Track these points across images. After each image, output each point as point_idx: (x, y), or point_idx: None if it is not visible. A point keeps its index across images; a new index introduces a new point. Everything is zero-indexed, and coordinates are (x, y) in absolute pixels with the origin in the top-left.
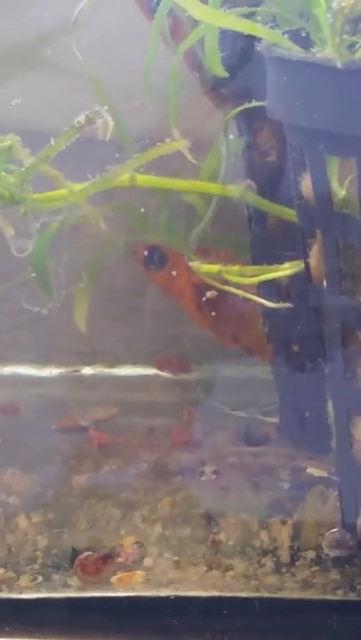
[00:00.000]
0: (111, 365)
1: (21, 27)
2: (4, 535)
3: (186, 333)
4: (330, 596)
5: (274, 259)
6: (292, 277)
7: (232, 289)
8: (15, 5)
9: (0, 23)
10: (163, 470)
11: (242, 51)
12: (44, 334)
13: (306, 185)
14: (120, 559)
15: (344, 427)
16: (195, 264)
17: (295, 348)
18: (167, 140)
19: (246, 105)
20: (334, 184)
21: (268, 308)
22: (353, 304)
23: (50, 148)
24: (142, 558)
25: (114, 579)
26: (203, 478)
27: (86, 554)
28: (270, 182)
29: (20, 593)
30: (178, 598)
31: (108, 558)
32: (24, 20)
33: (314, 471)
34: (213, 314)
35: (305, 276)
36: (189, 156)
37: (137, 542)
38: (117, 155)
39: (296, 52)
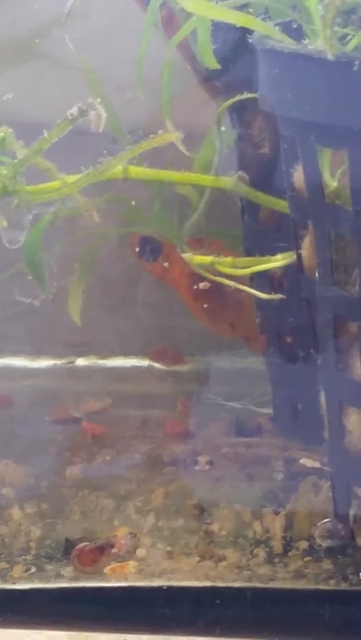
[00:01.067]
0: (105, 357)
1: (15, 19)
2: None
3: (179, 325)
4: (322, 586)
5: (266, 250)
6: (285, 268)
7: (225, 280)
8: None
9: None
10: (156, 461)
11: (234, 43)
12: (37, 326)
13: (298, 176)
14: (113, 550)
15: (336, 417)
16: (187, 255)
17: (288, 339)
18: (160, 131)
19: (239, 97)
20: (326, 175)
21: (260, 299)
22: (345, 295)
23: (43, 140)
24: (135, 549)
25: (107, 569)
26: (197, 467)
27: (83, 544)
28: (263, 174)
29: (14, 583)
30: (171, 588)
31: (104, 549)
32: (17, 13)
33: (307, 462)
34: (209, 303)
35: (297, 268)
36: (182, 148)
37: (130, 533)
38: (110, 146)
39: (288, 44)
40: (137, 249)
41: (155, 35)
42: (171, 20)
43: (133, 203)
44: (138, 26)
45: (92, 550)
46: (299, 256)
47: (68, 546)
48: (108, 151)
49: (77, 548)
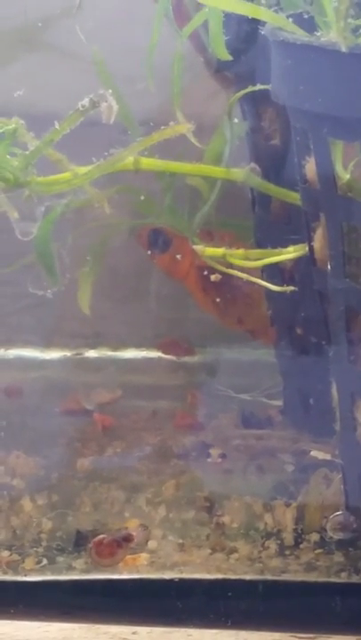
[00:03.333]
0: (115, 348)
1: (25, 10)
2: (9, 518)
3: (190, 316)
4: (334, 579)
5: (278, 242)
6: (296, 261)
7: (236, 272)
8: None
9: (4, 7)
10: (167, 453)
11: (246, 34)
12: (48, 317)
13: (310, 168)
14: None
15: (348, 410)
16: (199, 247)
17: (299, 331)
18: (171, 123)
19: (250, 88)
20: (338, 167)
21: (272, 291)
22: (357, 287)
23: (54, 132)
24: (146, 541)
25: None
26: (209, 460)
27: (101, 536)
28: (274, 166)
29: (25, 575)
30: (182, 581)
31: (123, 542)
32: (28, 4)
33: (318, 454)
34: (218, 296)
35: (309, 260)
36: (193, 140)
37: (141, 525)
38: (121, 138)
39: (300, 35)
40: (146, 240)
41: (165, 25)
42: (182, 11)
43: (143, 197)
44: (148, 16)
45: (110, 543)
46: (311, 248)
47: (79, 537)
48: (119, 142)
49: (95, 540)
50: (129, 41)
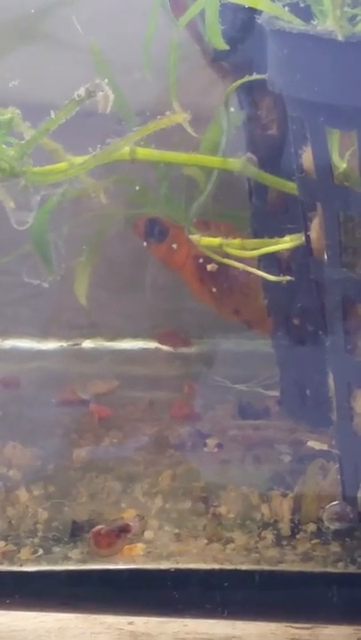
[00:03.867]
0: (112, 339)
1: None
2: (5, 508)
3: (187, 307)
4: (330, 569)
5: (275, 232)
6: (293, 250)
7: (233, 262)
8: None
9: None
10: (163, 443)
11: (242, 23)
12: (44, 308)
13: (307, 158)
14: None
15: (345, 400)
16: (195, 237)
17: (296, 321)
18: (168, 112)
19: (247, 78)
20: (335, 157)
21: (268, 281)
22: (353, 277)
23: (50, 121)
24: (143, 531)
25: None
26: (205, 449)
27: (100, 527)
28: (271, 155)
29: (21, 566)
30: (178, 571)
31: (122, 532)
32: None
33: (314, 444)
34: (214, 287)
35: (306, 249)
36: (190, 129)
37: (138, 515)
38: (117, 128)
39: (297, 24)
40: (143, 230)
41: (162, 15)
42: (178, 0)
43: (138, 187)
44: (145, 6)
45: (109, 533)
46: (307, 238)
47: (75, 528)
48: (116, 132)
49: (94, 530)
50: (125, 31)
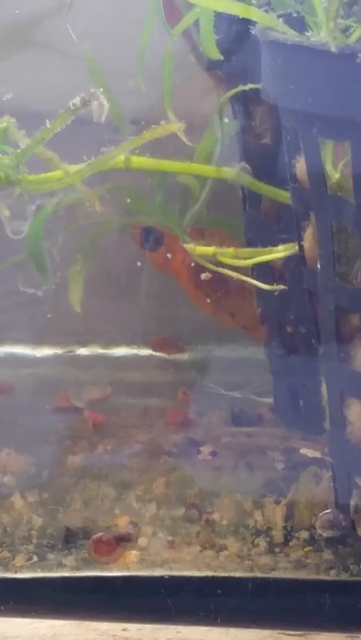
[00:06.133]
0: (106, 346)
1: (17, 7)
2: None
3: (181, 314)
4: (323, 576)
5: (268, 241)
6: (287, 260)
7: (226, 271)
8: None
9: None
10: (157, 450)
11: (237, 34)
12: (39, 315)
13: (300, 168)
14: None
15: (337, 408)
16: (189, 246)
17: (289, 329)
18: (162, 122)
19: (241, 88)
20: (328, 167)
21: (262, 289)
22: (347, 286)
23: (45, 130)
24: (137, 538)
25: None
26: (199, 456)
27: (100, 534)
28: (265, 165)
29: (16, 572)
30: (172, 578)
31: (122, 539)
32: (19, 1)
33: (307, 452)
34: (210, 292)
35: (299, 259)
36: (184, 138)
37: (131, 522)
38: (112, 136)
39: (291, 35)
40: (139, 239)
41: (157, 24)
42: (173, 10)
43: (132, 196)
44: (140, 15)
45: (109, 540)
46: (301, 247)
47: (69, 534)
48: (110, 141)
49: (94, 537)
50: (120, 39)
